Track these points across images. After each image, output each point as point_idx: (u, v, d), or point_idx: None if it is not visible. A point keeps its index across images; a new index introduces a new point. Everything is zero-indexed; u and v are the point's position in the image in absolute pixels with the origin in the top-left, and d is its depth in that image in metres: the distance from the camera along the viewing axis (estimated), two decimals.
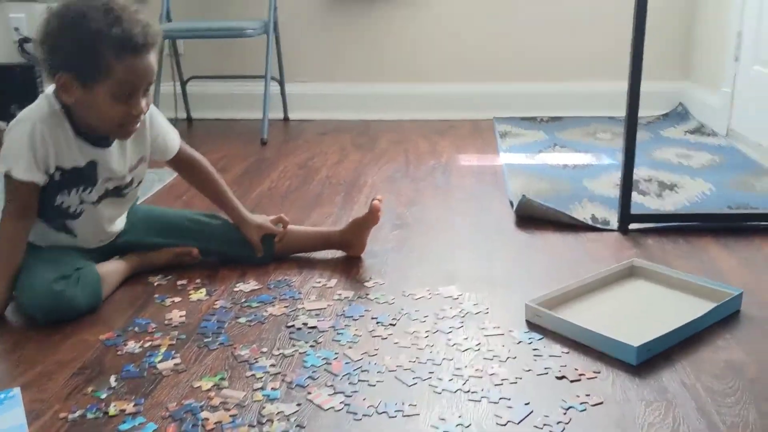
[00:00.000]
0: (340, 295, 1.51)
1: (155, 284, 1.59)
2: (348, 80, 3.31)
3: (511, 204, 2.04)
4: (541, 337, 1.32)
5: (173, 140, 1.61)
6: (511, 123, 3.09)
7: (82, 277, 1.44)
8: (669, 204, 2.04)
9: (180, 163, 1.65)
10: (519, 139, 2.82)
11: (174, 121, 3.12)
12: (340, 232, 1.71)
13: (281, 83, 3.18)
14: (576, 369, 1.21)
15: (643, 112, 1.83)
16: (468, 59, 3.25)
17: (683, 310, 1.38)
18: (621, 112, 3.01)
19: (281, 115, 3.27)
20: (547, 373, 1.21)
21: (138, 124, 1.42)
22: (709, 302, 1.40)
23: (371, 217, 1.66)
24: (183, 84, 3.20)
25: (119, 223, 1.60)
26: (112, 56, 1.31)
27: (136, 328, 1.38)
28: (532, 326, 1.36)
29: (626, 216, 1.82)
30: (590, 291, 1.48)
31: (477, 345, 1.30)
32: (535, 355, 1.26)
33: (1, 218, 1.43)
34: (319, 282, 1.58)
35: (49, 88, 1.41)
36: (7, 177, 1.39)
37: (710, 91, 2.94)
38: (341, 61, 3.30)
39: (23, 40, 3.28)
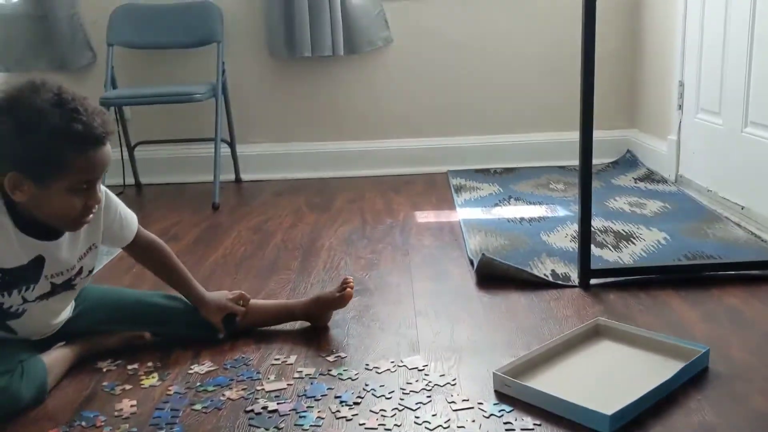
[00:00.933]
0: (300, 372, 1.45)
1: (104, 370, 1.50)
2: (300, 139, 3.29)
3: (471, 263, 2.01)
4: (512, 408, 1.28)
5: (130, 225, 1.52)
6: (466, 176, 3.11)
7: (26, 370, 1.35)
8: (626, 255, 2.04)
9: (136, 248, 1.55)
10: (474, 193, 2.83)
11: (122, 187, 3.06)
12: (303, 306, 1.65)
13: (232, 145, 3.14)
14: None
15: (593, 161, 1.84)
16: (420, 114, 3.27)
17: (652, 371, 1.36)
18: (571, 161, 3.12)
19: (233, 177, 3.22)
20: None
21: (92, 214, 1.34)
22: (677, 361, 1.38)
23: (340, 302, 1.62)
24: (131, 150, 3.13)
25: (65, 314, 1.50)
26: (72, 153, 1.23)
27: (84, 423, 1.29)
28: (502, 396, 1.32)
29: (586, 272, 1.81)
30: (557, 355, 1.45)
31: (446, 422, 1.25)
32: (506, 430, 1.22)
33: None
34: (278, 359, 1.51)
35: None
36: None
37: (657, 139, 3.01)
38: (292, 121, 3.28)
39: None
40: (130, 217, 1.52)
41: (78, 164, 1.24)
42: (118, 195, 1.53)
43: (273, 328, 1.67)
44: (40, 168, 1.23)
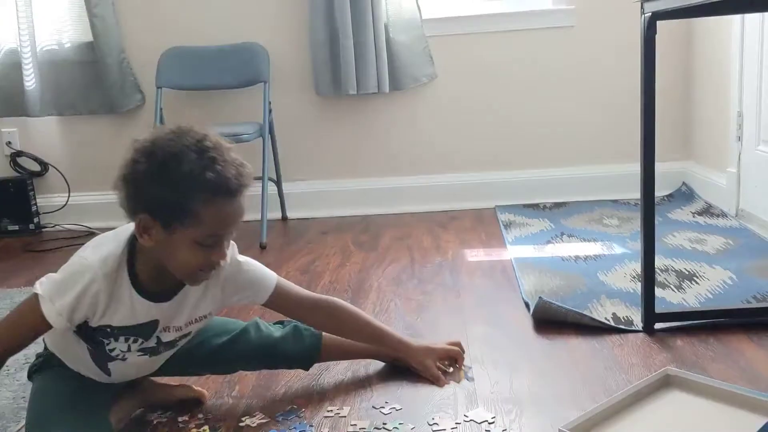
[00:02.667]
0: (355, 426, 1.39)
1: (154, 422, 1.46)
2: (345, 177, 3.27)
3: (527, 306, 1.94)
4: None
5: (262, 285, 1.44)
6: (514, 211, 3.04)
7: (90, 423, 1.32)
8: (691, 296, 1.94)
9: (286, 308, 1.49)
10: (524, 230, 2.75)
11: None
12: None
13: (278, 184, 3.14)
14: None
15: None
16: (465, 149, 3.23)
17: (731, 426, 1.27)
18: (624, 195, 3.03)
19: (279, 215, 3.21)
20: None
21: (215, 272, 1.29)
22: (758, 415, 1.28)
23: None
24: None
25: (156, 366, 1.48)
26: (202, 202, 1.18)
27: None
28: None
29: (651, 316, 1.72)
30: (625, 408, 1.36)
31: None
32: None
33: None
34: (331, 411, 1.46)
35: (127, 229, 1.29)
36: (35, 297, 1.25)
37: (715, 171, 2.90)
38: (338, 158, 3.27)
39: (15, 155, 3.25)
40: (261, 278, 1.44)
41: (206, 214, 1.19)
42: None
43: (323, 376, 1.62)
44: (169, 212, 1.19)
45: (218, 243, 1.24)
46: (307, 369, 1.59)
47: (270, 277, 1.45)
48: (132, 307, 1.28)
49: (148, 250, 1.25)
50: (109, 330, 1.29)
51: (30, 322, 1.26)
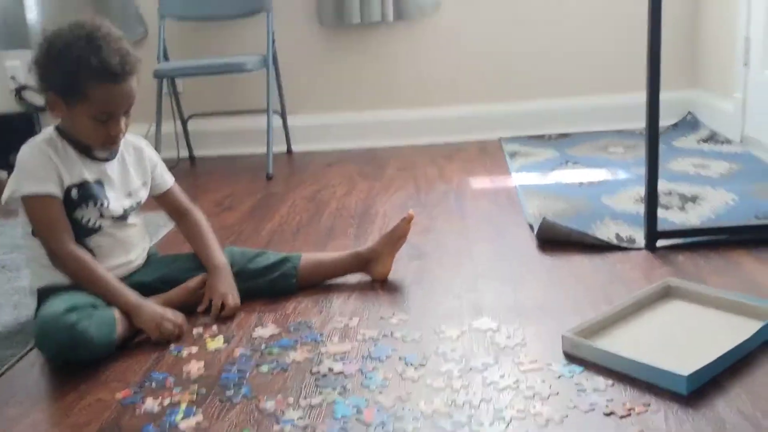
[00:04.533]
0: (363, 334, 1.44)
1: None
2: (349, 109, 3.27)
3: (531, 227, 1.97)
4: (582, 369, 1.25)
5: (168, 173, 1.70)
6: (519, 142, 3.04)
7: (96, 315, 1.40)
8: (693, 217, 1.97)
9: (172, 205, 1.71)
10: (529, 159, 2.77)
11: (176, 161, 3.10)
12: (368, 248, 1.71)
13: (283, 116, 3.14)
14: (624, 403, 1.14)
15: None
16: (469, 80, 3.21)
17: (728, 331, 1.31)
18: (629, 125, 3.03)
19: (284, 148, 3.22)
20: (593, 410, 1.13)
21: (118, 143, 1.52)
22: (754, 321, 1.33)
23: (403, 227, 1.67)
24: (184, 123, 3.16)
25: (136, 254, 1.61)
26: (90, 83, 1.41)
27: (154, 384, 1.31)
28: (571, 358, 1.29)
29: (653, 233, 1.75)
30: (626, 316, 1.40)
31: (515, 382, 1.22)
32: (578, 390, 1.19)
33: (57, 251, 1.45)
34: (341, 321, 1.51)
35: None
36: (24, 201, 1.46)
37: (721, 98, 2.89)
38: (342, 90, 3.26)
39: (20, 89, 3.24)
40: (167, 171, 1.72)
41: (94, 95, 1.42)
42: (171, 168, 1.70)
43: (332, 293, 1.66)
44: (66, 92, 1.43)
45: (112, 118, 1.45)
46: (290, 284, 1.66)
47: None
48: (82, 165, 1.50)
49: (66, 125, 1.49)
50: (77, 195, 1.48)
51: (47, 212, 1.45)
